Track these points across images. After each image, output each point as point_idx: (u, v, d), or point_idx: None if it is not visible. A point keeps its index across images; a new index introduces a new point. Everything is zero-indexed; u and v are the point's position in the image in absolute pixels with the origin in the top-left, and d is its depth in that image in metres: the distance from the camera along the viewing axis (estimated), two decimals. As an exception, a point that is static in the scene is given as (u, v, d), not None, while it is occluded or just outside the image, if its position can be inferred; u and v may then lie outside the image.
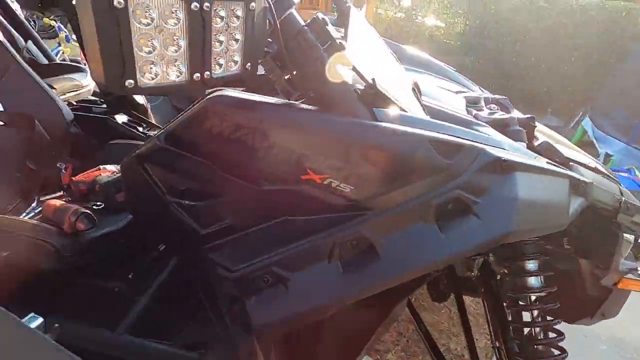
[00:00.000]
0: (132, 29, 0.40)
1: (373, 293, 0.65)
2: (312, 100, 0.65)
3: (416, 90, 0.89)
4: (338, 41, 0.64)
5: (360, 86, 0.67)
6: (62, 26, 3.66)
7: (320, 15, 0.67)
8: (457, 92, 1.16)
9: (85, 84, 2.05)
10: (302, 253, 0.68)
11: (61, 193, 1.31)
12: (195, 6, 0.44)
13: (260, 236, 0.72)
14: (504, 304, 1.02)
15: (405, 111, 0.69)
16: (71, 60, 2.51)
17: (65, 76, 2.02)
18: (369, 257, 0.65)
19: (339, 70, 0.62)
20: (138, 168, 0.72)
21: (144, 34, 0.41)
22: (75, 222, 0.97)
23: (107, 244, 1.04)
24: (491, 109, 1.05)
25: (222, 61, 0.50)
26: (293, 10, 0.61)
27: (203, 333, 1.04)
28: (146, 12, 0.41)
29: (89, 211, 1.01)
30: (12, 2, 2.04)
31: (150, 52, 0.42)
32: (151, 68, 0.43)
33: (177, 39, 0.44)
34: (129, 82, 0.42)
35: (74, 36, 3.61)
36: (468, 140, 0.66)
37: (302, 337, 0.83)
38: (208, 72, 0.49)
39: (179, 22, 0.44)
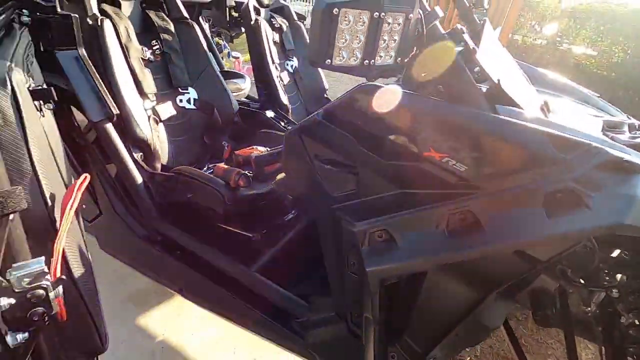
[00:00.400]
0: (337, 27, 0.62)
1: (471, 257, 0.73)
2: (442, 94, 0.79)
3: (544, 106, 0.92)
4: (471, 47, 0.78)
5: (486, 86, 0.79)
6: (226, 44, 4.53)
7: (459, 26, 0.82)
8: (595, 116, 1.07)
9: (244, 87, 2.58)
10: (413, 219, 0.80)
11: (223, 163, 1.71)
12: (376, 14, 0.64)
13: (380, 203, 0.88)
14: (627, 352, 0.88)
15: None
16: (229, 71, 3.16)
17: (230, 80, 2.58)
18: (474, 228, 0.73)
19: (468, 70, 0.76)
20: (297, 137, 0.95)
21: (342, 31, 0.63)
22: (238, 179, 1.30)
23: (253, 202, 1.35)
24: (635, 135, 0.95)
25: (382, 54, 0.70)
26: (437, 22, 0.78)
27: (314, 289, 1.24)
28: (346, 17, 0.62)
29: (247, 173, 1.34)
30: (205, 23, 2.72)
31: (343, 43, 0.64)
32: (341, 53, 0.65)
33: (360, 36, 0.65)
34: (328, 61, 0.64)
35: (233, 53, 4.47)
36: (588, 140, 0.70)
37: (400, 300, 0.95)
38: (373, 61, 0.68)
39: (363, 24, 0.64)
